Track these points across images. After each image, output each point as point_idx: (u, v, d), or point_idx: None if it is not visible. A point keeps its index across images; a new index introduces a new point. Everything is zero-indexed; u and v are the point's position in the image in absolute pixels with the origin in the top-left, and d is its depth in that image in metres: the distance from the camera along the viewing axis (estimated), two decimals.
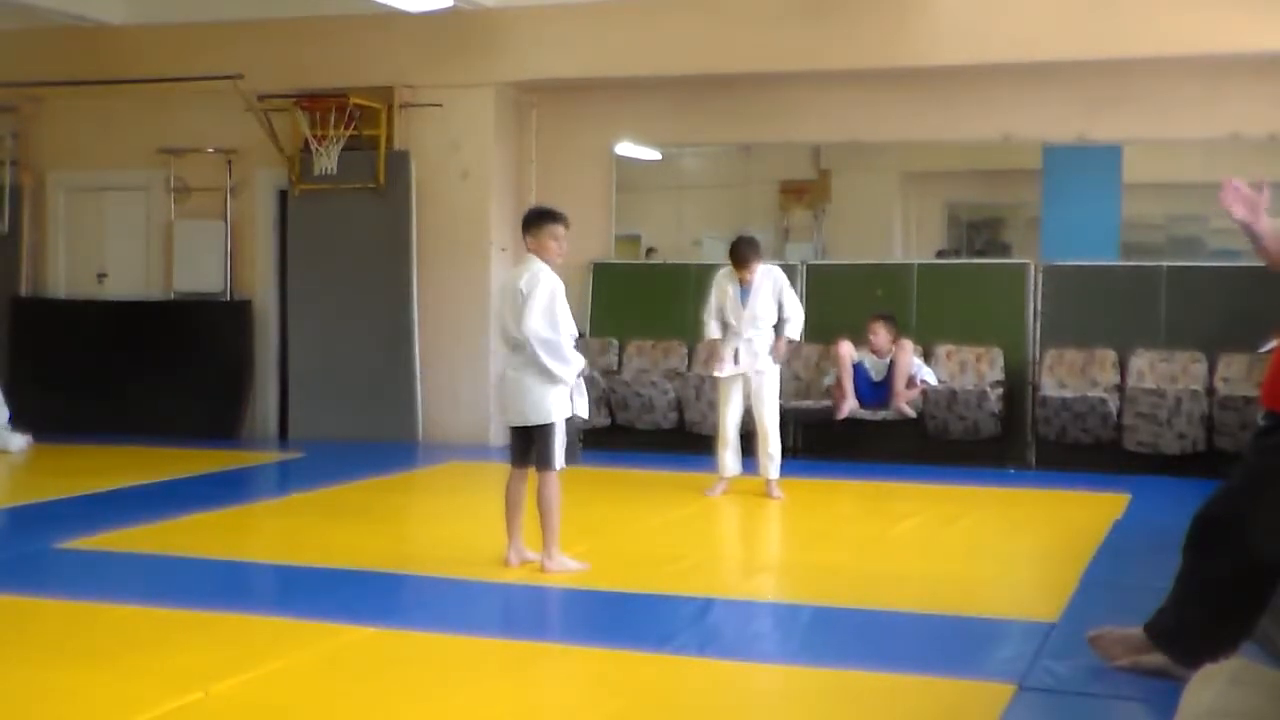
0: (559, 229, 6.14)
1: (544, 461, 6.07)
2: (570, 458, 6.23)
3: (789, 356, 8.78)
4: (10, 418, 10.37)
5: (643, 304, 10.89)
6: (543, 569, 6.07)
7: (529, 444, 6.12)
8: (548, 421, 6.04)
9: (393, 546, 7.07)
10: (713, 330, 8.36)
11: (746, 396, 8.28)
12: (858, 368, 9.73)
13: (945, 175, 11.17)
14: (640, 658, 4.75)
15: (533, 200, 10.92)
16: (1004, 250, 10.83)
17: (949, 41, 9.58)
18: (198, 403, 11.23)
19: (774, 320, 8.27)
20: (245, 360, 11.32)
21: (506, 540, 6.18)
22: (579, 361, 6.13)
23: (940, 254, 10.80)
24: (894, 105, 10.24)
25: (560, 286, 6.07)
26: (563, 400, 6.06)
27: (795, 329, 8.32)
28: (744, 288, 8.20)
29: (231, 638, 4.94)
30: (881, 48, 9.74)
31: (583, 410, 6.21)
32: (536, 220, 6.20)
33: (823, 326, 9.39)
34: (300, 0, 10.77)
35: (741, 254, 8.21)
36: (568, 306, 6.09)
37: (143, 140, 11.39)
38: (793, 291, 8.41)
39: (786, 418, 8.86)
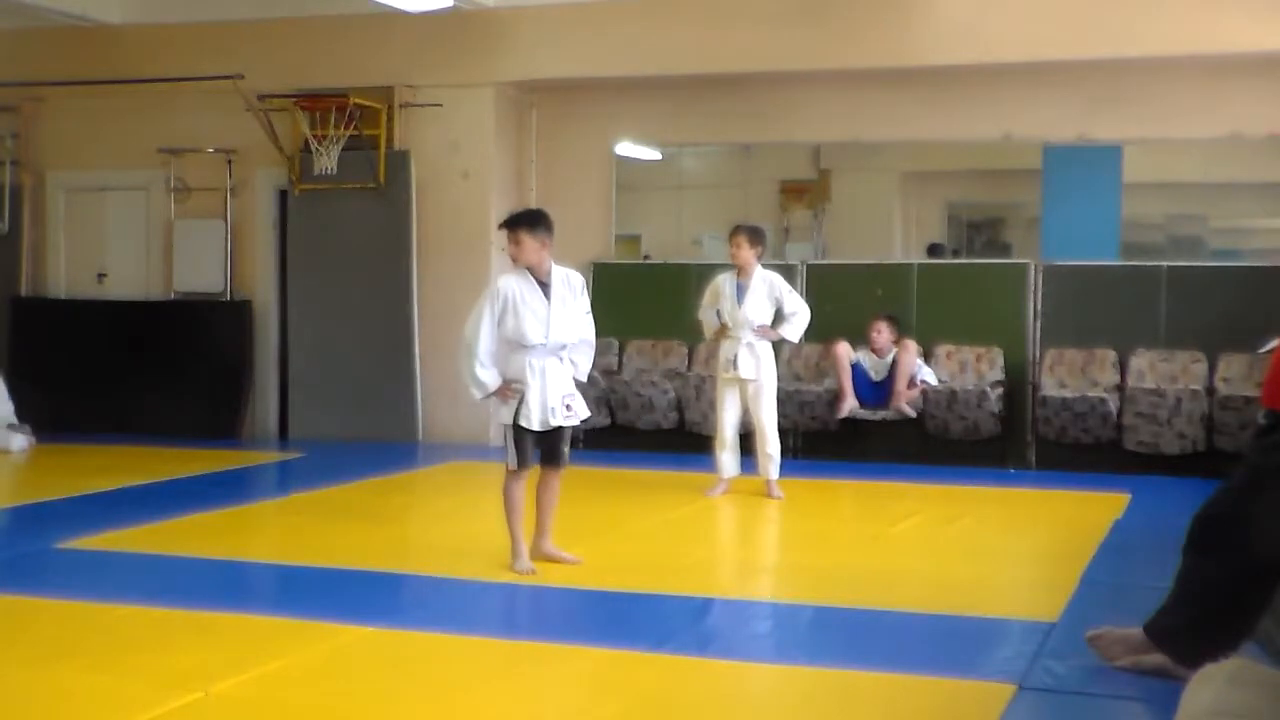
0: (514, 234, 6.11)
1: None
2: (520, 461, 6.06)
3: (789, 355, 8.79)
4: (14, 410, 10.38)
5: (643, 304, 10.89)
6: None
7: None
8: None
9: (393, 546, 7.07)
10: (711, 321, 8.35)
11: (744, 398, 8.28)
12: (856, 367, 9.73)
13: (945, 175, 11.15)
14: (640, 658, 4.75)
15: (533, 200, 10.94)
16: (1004, 250, 10.82)
17: (949, 41, 9.58)
18: (198, 403, 11.23)
19: (769, 323, 8.26)
20: (245, 360, 11.32)
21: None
22: (480, 381, 6.02)
23: (931, 250, 10.76)
24: (894, 105, 10.23)
25: (500, 293, 6.12)
26: (502, 407, 6.06)
27: (794, 330, 8.27)
28: (740, 286, 8.18)
29: (231, 638, 4.94)
30: (881, 48, 9.74)
31: (522, 419, 6.00)
32: None
33: (823, 326, 9.37)
34: (300, 0, 10.78)
35: (737, 229, 8.21)
36: (519, 312, 6.07)
37: (143, 140, 11.38)
38: (796, 294, 8.39)
39: (788, 408, 8.80)
